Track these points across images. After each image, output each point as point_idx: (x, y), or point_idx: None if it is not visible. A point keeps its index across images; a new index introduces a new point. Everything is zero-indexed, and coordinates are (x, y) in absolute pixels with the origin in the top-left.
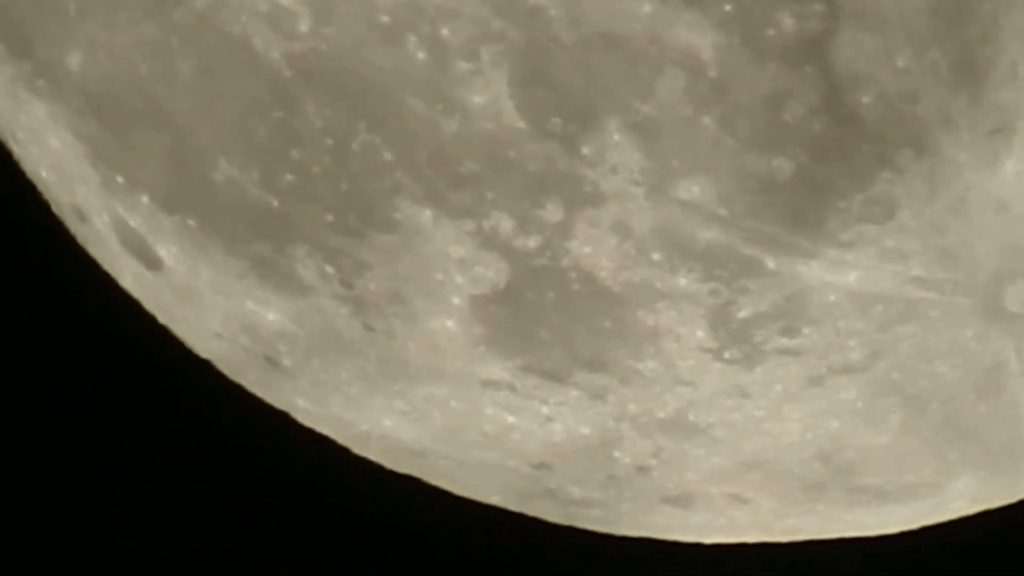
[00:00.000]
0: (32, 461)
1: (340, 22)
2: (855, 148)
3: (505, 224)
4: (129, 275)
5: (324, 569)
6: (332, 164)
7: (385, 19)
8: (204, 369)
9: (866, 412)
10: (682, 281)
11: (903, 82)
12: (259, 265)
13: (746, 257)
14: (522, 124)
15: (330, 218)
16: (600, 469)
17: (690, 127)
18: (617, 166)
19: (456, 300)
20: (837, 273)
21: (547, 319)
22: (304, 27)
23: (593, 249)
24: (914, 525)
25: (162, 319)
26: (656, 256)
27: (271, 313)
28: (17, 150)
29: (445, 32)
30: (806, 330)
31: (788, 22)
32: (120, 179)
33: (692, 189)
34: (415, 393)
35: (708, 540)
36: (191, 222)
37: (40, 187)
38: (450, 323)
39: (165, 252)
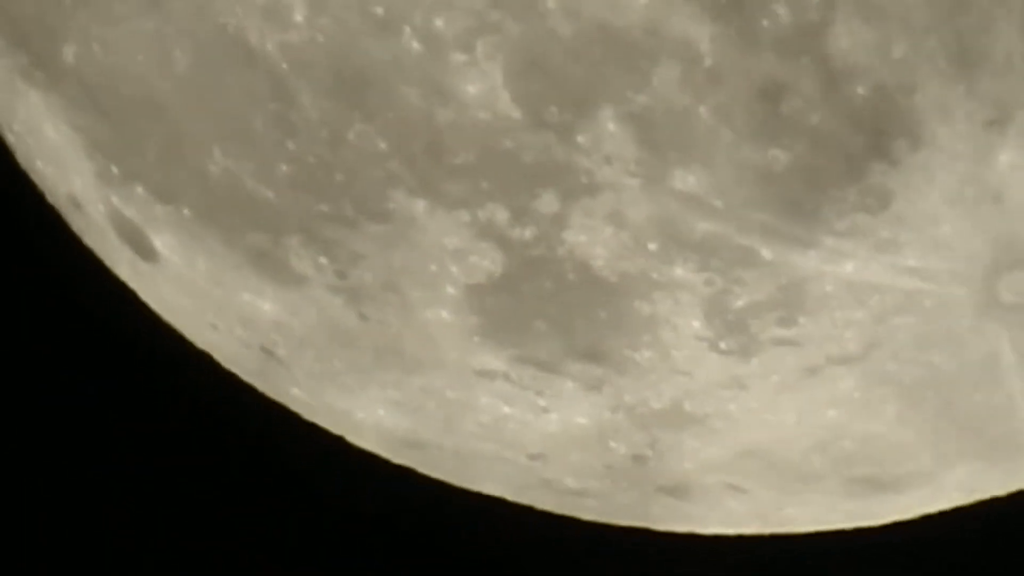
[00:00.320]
0: (32, 460)
1: (335, 13)
2: (851, 139)
3: (500, 214)
4: (125, 265)
5: (320, 560)
6: (327, 155)
7: (379, 10)
8: (203, 361)
9: (862, 402)
10: (678, 271)
11: (899, 73)
12: (254, 256)
13: (742, 247)
14: (517, 114)
15: (325, 209)
16: (596, 459)
17: (686, 117)
18: (612, 156)
19: (451, 290)
20: (833, 263)
21: (542, 309)
22: (299, 18)
23: (589, 239)
24: (911, 515)
25: (158, 310)
26: (652, 246)
27: (266, 304)
28: (13, 140)
29: (440, 23)
30: (802, 320)
31: (784, 12)
32: (115, 169)
33: (688, 179)
34: (410, 383)
35: (705, 530)
36: (186, 212)
37: (35, 178)
38: (445, 313)
39: (160, 243)
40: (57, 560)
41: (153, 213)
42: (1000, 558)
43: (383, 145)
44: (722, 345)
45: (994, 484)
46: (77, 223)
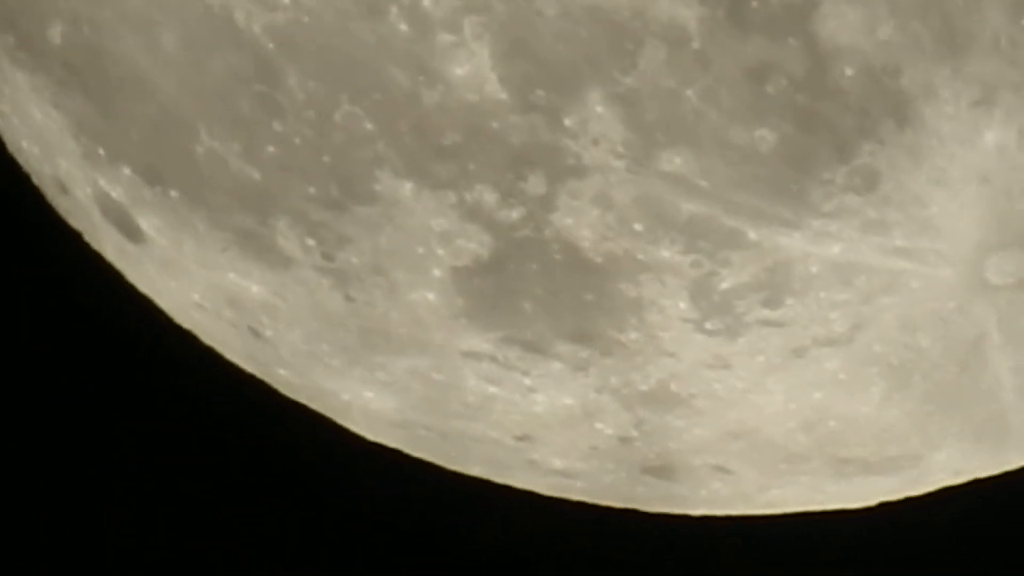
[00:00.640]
0: (32, 460)
1: None
2: (838, 120)
3: (487, 196)
4: (111, 247)
5: (308, 542)
6: (314, 136)
7: None
8: (189, 342)
9: (849, 383)
10: (664, 253)
11: (886, 54)
12: (241, 237)
13: (728, 228)
14: (504, 96)
15: (312, 190)
16: (582, 440)
17: (673, 99)
18: (599, 138)
19: (437, 272)
20: (819, 244)
21: (529, 291)
22: None
23: (575, 221)
24: (897, 496)
25: (144, 291)
26: (638, 228)
27: (253, 285)
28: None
29: (427, 3)
30: (788, 301)
31: None
32: (102, 151)
33: (674, 161)
34: (396, 364)
35: (691, 511)
36: (173, 194)
37: (21, 159)
38: (431, 295)
39: (147, 224)
40: (57, 560)
41: (140, 195)
42: (986, 539)
43: (370, 126)
44: (708, 326)
45: (980, 465)
46: (63, 205)
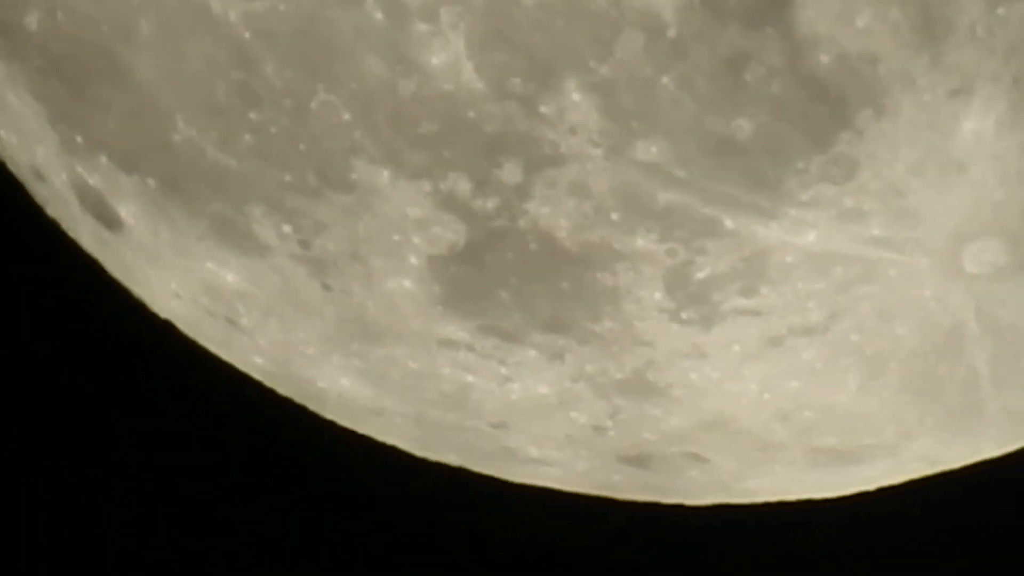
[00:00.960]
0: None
1: None
2: (815, 109)
3: (463, 185)
4: (88, 235)
5: (285, 531)
6: (291, 124)
7: None
8: (166, 331)
9: (825, 373)
10: (640, 242)
11: (864, 43)
12: (218, 225)
13: (704, 217)
14: (481, 85)
15: (288, 178)
16: (558, 429)
17: (649, 88)
18: (576, 127)
19: (414, 260)
20: (796, 234)
21: (505, 280)
22: None
23: (551, 210)
24: (873, 486)
25: (121, 279)
26: (614, 217)
27: (230, 273)
28: None
29: None
30: (764, 290)
31: None
32: (79, 139)
33: (651, 150)
34: (373, 352)
35: (666, 500)
36: (150, 182)
37: None
38: (408, 283)
39: (125, 212)
40: (57, 560)
41: (117, 183)
42: (962, 529)
43: (346, 115)
44: (684, 315)
45: (956, 456)
46: (40, 193)
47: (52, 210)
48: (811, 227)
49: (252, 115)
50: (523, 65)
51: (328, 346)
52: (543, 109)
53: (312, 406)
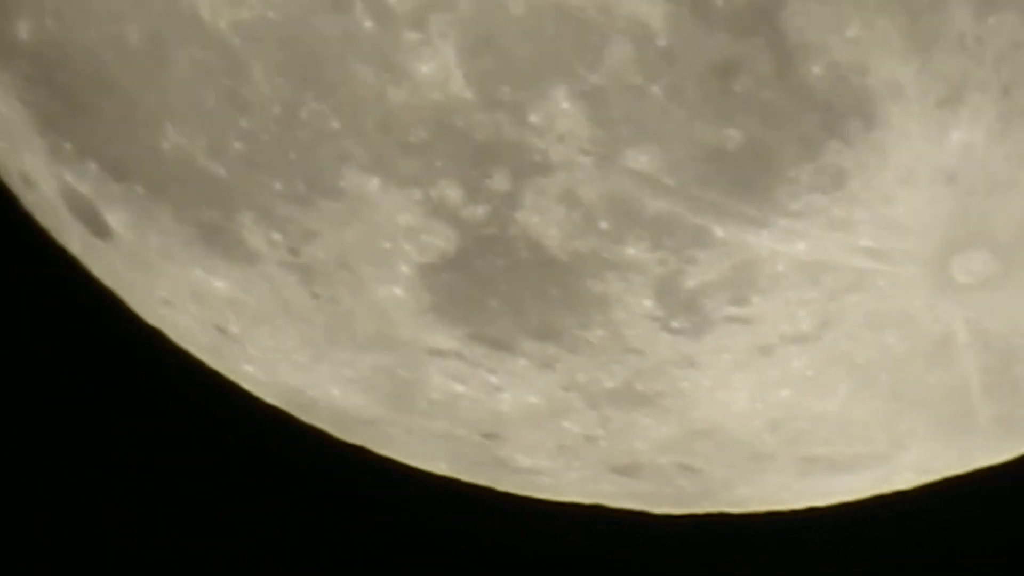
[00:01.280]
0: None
1: None
2: (805, 118)
3: (453, 193)
4: (77, 242)
5: (276, 539)
6: (280, 132)
7: None
8: (155, 338)
9: (815, 382)
10: (630, 250)
11: (853, 52)
12: (207, 232)
13: (694, 226)
14: (470, 93)
15: (278, 186)
16: (549, 438)
17: (639, 96)
18: (565, 135)
19: (404, 268)
20: (786, 242)
21: (495, 288)
22: None
23: (541, 218)
24: (864, 495)
25: (111, 286)
26: (604, 225)
27: (219, 280)
28: None
29: (392, 0)
30: (755, 299)
31: None
32: (68, 146)
33: (640, 158)
34: (362, 361)
35: (656, 509)
36: (139, 189)
37: None
38: (397, 291)
39: (113, 219)
40: (57, 560)
41: (106, 190)
42: (953, 538)
43: (335, 123)
44: (674, 324)
45: (947, 464)
46: (28, 199)
47: (41, 216)
48: (801, 236)
49: (242, 123)
50: (512, 74)
51: (317, 354)
52: (532, 117)
53: (302, 415)
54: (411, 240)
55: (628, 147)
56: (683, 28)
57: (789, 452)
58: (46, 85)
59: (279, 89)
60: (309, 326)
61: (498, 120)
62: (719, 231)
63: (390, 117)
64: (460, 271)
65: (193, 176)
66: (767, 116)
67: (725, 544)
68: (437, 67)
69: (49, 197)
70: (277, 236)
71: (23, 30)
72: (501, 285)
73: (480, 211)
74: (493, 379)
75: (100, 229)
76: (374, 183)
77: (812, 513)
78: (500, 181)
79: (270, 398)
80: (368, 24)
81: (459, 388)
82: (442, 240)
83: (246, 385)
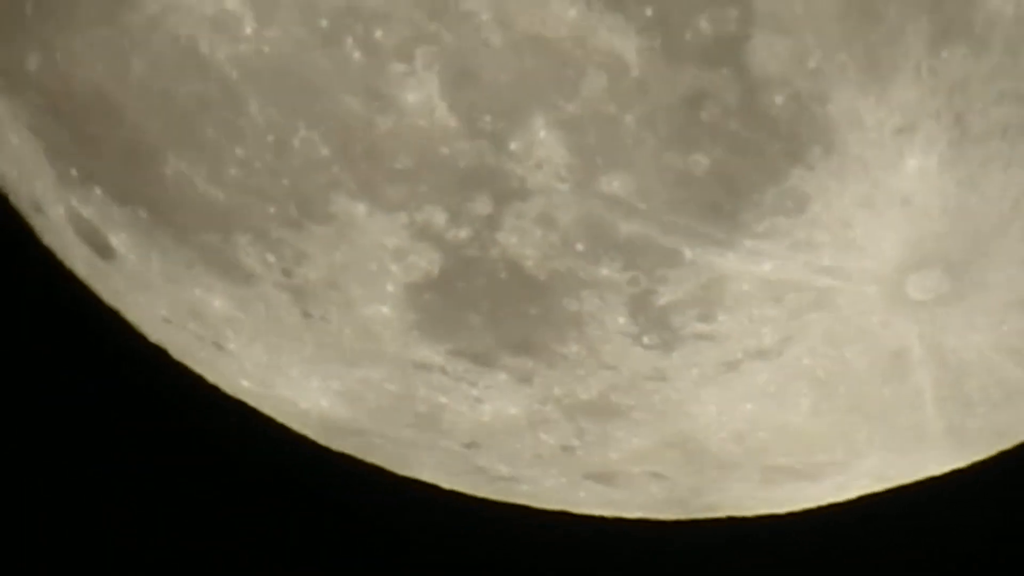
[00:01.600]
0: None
1: (282, 25)
2: (768, 145)
3: (437, 216)
4: (83, 264)
5: (270, 541)
6: (273, 160)
7: (324, 22)
8: (157, 354)
9: (778, 395)
10: (604, 271)
11: (814, 83)
12: (206, 254)
13: (665, 248)
14: (453, 122)
15: (272, 210)
16: (527, 448)
17: (612, 125)
18: (543, 162)
19: (390, 288)
20: (751, 263)
21: (477, 306)
22: (248, 30)
23: (520, 240)
24: (824, 502)
25: (114, 305)
26: (579, 247)
27: (217, 300)
28: None
29: (379, 34)
30: (722, 317)
31: (705, 26)
32: (75, 172)
33: (614, 184)
34: (351, 375)
35: (628, 515)
36: (142, 213)
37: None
38: (385, 309)
39: (117, 241)
40: (57, 560)
41: (110, 214)
42: (907, 543)
43: (326, 151)
44: (645, 340)
45: (903, 472)
46: (37, 223)
47: (49, 239)
48: (765, 257)
49: (238, 151)
50: (493, 104)
51: (309, 369)
52: (512, 145)
53: (295, 425)
54: (397, 261)
55: (602, 173)
56: (654, 61)
57: (754, 462)
58: (54, 115)
59: (273, 119)
60: (301, 343)
61: (480, 148)
62: (688, 252)
63: (377, 145)
64: (443, 290)
65: (193, 201)
66: (733, 144)
67: (695, 548)
68: (422, 97)
69: (57, 221)
70: (271, 258)
71: (33, 63)
72: (482, 303)
73: (463, 233)
74: (474, 392)
75: (105, 251)
76: (362, 208)
77: (774, 518)
78: (482, 205)
79: (265, 409)
80: (357, 56)
81: (442, 400)
82: (426, 261)
83: (242, 397)
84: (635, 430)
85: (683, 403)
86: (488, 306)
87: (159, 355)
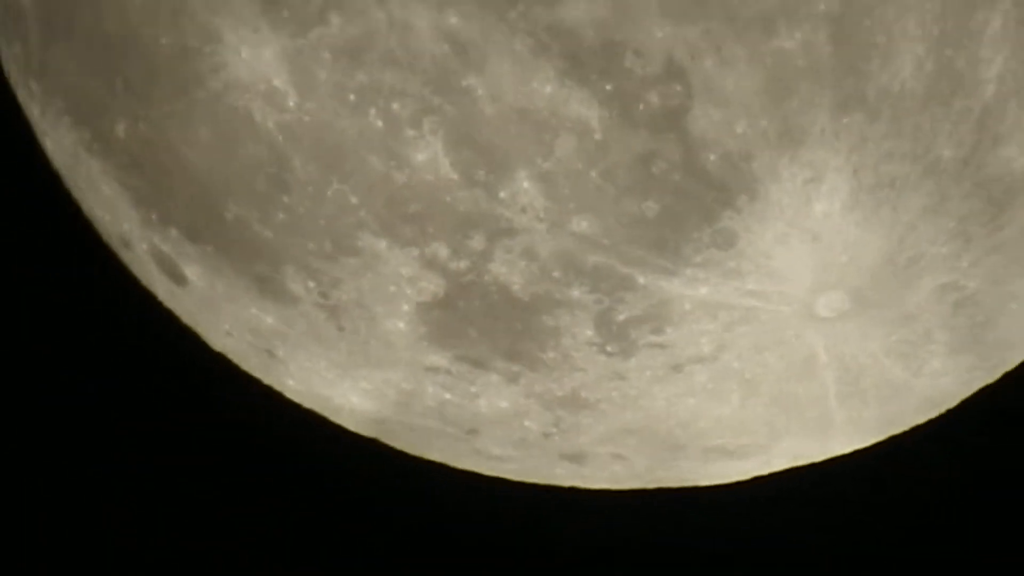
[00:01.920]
0: (32, 460)
1: (319, 99)
2: (705, 194)
3: (442, 251)
4: (162, 289)
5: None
6: (312, 206)
7: (352, 97)
8: (220, 361)
9: (714, 391)
10: (575, 293)
11: (741, 145)
12: (259, 281)
13: (623, 275)
14: (455, 176)
15: (311, 246)
16: (514, 434)
17: (580, 178)
18: (526, 207)
19: (405, 307)
20: (692, 287)
21: (474, 321)
22: (292, 103)
23: (508, 269)
24: (750, 475)
25: (186, 322)
26: (556, 274)
27: (269, 317)
28: (78, 195)
29: (396, 106)
30: (668, 330)
31: (655, 99)
32: (155, 217)
33: (582, 224)
34: (375, 377)
35: (596, 487)
36: (209, 249)
37: (95, 223)
38: (401, 324)
39: (189, 272)
40: (57, 560)
41: (184, 250)
42: (820, 508)
43: (354, 199)
44: (608, 348)
45: (812, 453)
46: (126, 257)
47: (135, 269)
48: (703, 283)
49: (284, 199)
50: (486, 161)
51: (341, 372)
52: (502, 194)
53: (330, 416)
54: (411, 286)
55: (573, 216)
56: (613, 127)
57: (696, 444)
58: (139, 171)
59: (311, 174)
60: (335, 351)
61: (476, 196)
62: (641, 278)
63: (395, 194)
64: (448, 309)
65: (249, 239)
66: (677, 192)
67: (649, 513)
68: (429, 156)
69: (141, 255)
70: (312, 284)
71: (121, 130)
72: (478, 319)
73: (462, 264)
74: (473, 389)
75: (179, 279)
76: (383, 244)
77: (710, 489)
78: (477, 242)
79: (307, 404)
80: (379, 124)
81: (447, 396)
82: (434, 286)
83: (288, 395)
84: (601, 419)
85: (639, 398)
86: (483, 322)
87: (223, 361)
